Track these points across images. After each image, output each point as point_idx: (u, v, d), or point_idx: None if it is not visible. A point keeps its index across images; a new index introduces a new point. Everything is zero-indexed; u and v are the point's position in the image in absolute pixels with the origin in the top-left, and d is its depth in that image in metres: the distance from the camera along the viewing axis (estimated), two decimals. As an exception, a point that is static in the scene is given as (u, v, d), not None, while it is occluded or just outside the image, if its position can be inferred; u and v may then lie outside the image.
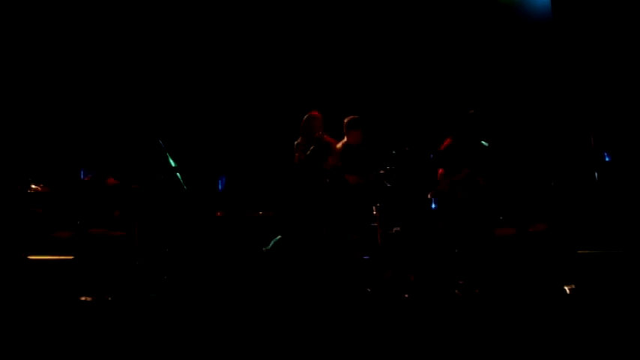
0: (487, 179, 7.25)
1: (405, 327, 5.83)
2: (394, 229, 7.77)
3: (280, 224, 7.47)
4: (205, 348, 5.57)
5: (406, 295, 7.13)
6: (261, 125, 9.59)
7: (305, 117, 7.80)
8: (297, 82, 9.62)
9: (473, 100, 8.54)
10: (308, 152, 7.51)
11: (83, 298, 6.64)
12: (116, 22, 9.61)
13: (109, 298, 6.87)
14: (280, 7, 9.67)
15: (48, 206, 7.59)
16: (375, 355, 5.50)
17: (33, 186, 7.52)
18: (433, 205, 7.70)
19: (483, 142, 7.43)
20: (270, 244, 7.46)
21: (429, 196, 7.60)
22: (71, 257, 6.51)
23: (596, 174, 7.75)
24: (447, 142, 7.59)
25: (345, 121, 7.90)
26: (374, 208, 7.56)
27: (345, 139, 7.87)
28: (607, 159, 7.85)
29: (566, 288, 7.04)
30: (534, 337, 5.61)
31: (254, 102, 9.58)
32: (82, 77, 9.44)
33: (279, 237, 7.45)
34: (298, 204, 7.36)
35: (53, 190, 7.68)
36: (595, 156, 7.81)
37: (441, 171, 7.51)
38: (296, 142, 7.85)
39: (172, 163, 7.73)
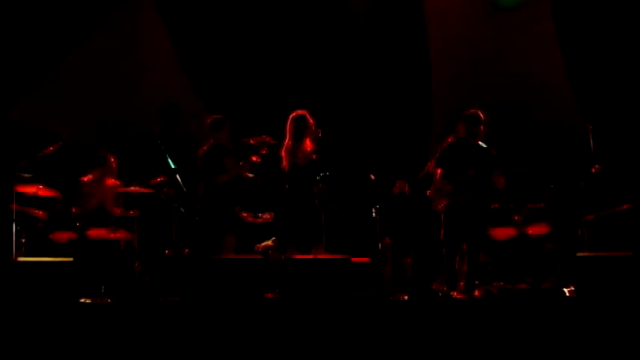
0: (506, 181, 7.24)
1: (404, 328, 5.84)
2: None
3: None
4: (204, 350, 5.59)
5: (405, 297, 7.14)
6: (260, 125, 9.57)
7: (295, 116, 7.13)
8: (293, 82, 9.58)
9: (471, 100, 8.53)
10: None
11: (82, 300, 6.65)
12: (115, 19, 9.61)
13: (109, 300, 6.88)
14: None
15: (48, 208, 7.60)
16: (374, 356, 5.52)
17: (33, 187, 7.53)
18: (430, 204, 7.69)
19: (481, 143, 7.42)
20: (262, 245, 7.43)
21: (427, 194, 7.60)
22: (70, 259, 6.50)
23: (594, 175, 7.74)
24: (448, 141, 7.59)
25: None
26: (373, 210, 7.55)
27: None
28: (607, 159, 7.85)
29: (565, 290, 7.05)
30: (534, 338, 5.62)
31: (253, 102, 9.56)
32: (81, 77, 9.43)
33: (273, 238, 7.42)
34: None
35: (53, 192, 7.70)
36: (595, 156, 7.80)
37: (439, 170, 7.50)
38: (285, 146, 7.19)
39: (172, 165, 7.73)
